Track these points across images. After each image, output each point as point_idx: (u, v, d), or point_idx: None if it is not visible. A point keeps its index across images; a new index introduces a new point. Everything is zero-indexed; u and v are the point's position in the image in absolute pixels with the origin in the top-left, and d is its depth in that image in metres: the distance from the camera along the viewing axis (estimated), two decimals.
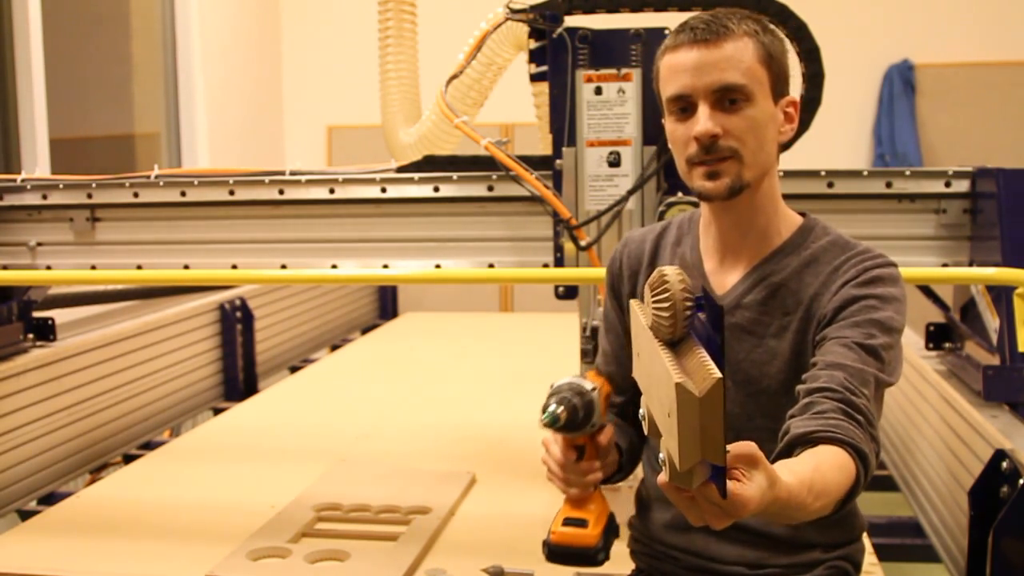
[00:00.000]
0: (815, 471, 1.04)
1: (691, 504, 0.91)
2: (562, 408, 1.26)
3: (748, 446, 0.93)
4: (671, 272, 0.89)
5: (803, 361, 1.27)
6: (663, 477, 0.90)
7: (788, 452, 1.12)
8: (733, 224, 1.34)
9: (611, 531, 1.39)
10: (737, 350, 1.32)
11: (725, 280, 1.35)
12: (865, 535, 1.45)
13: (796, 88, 2.08)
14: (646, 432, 0.99)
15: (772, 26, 1.32)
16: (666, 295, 0.88)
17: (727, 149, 1.26)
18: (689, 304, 0.88)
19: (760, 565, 1.34)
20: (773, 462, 1.01)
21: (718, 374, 0.81)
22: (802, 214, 1.39)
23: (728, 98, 1.25)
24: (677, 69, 1.27)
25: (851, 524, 1.38)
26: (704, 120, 1.25)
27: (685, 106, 1.28)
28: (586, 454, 1.32)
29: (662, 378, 0.86)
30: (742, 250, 1.34)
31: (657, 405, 0.88)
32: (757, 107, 1.26)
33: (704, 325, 0.86)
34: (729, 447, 0.90)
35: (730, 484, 0.90)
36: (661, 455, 0.87)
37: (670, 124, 1.31)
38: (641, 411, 0.97)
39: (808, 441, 1.11)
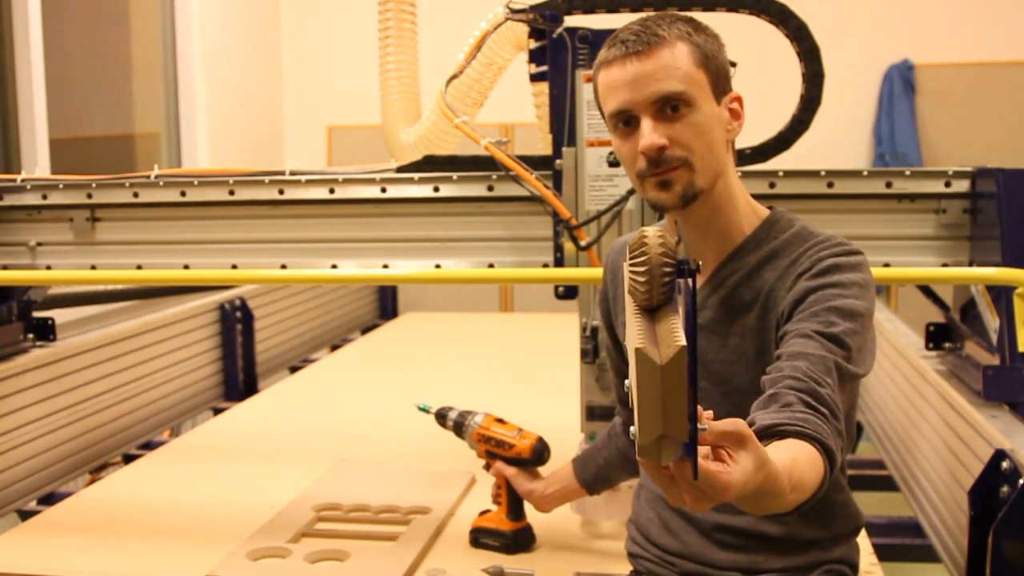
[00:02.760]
0: (794, 463, 1.00)
1: (670, 483, 0.86)
2: (435, 410, 1.96)
3: (736, 423, 0.89)
4: (651, 233, 0.83)
5: (767, 359, 1.24)
6: (636, 453, 0.82)
7: None
8: (692, 228, 1.33)
9: (486, 534, 1.91)
10: (707, 350, 1.31)
11: None
12: (865, 535, 1.44)
13: (797, 88, 2.09)
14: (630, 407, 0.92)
15: (703, 24, 1.30)
16: (643, 257, 0.82)
17: (676, 159, 1.25)
18: (668, 268, 0.82)
19: (756, 570, 1.33)
20: None
21: (683, 341, 0.75)
22: (769, 207, 1.37)
23: (669, 106, 1.24)
24: (614, 85, 1.26)
25: (848, 515, 1.37)
26: (648, 133, 1.24)
27: (627, 119, 1.27)
28: (491, 470, 1.91)
29: (630, 345, 0.79)
30: (705, 252, 1.34)
31: (631, 375, 0.81)
32: (700, 112, 1.25)
33: (686, 291, 0.82)
34: (716, 423, 0.86)
35: (712, 465, 0.85)
36: (632, 428, 0.80)
37: (615, 140, 1.30)
38: (627, 383, 0.86)
39: (775, 434, 1.06)
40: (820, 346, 1.16)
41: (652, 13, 1.29)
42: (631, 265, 0.84)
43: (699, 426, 0.81)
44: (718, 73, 1.28)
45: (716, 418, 1.25)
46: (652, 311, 0.83)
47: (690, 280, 0.83)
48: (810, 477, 1.02)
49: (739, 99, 1.32)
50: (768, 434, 1.06)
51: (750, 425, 1.04)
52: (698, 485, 0.84)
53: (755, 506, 0.96)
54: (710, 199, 1.29)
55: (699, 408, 0.83)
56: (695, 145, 1.24)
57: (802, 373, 1.12)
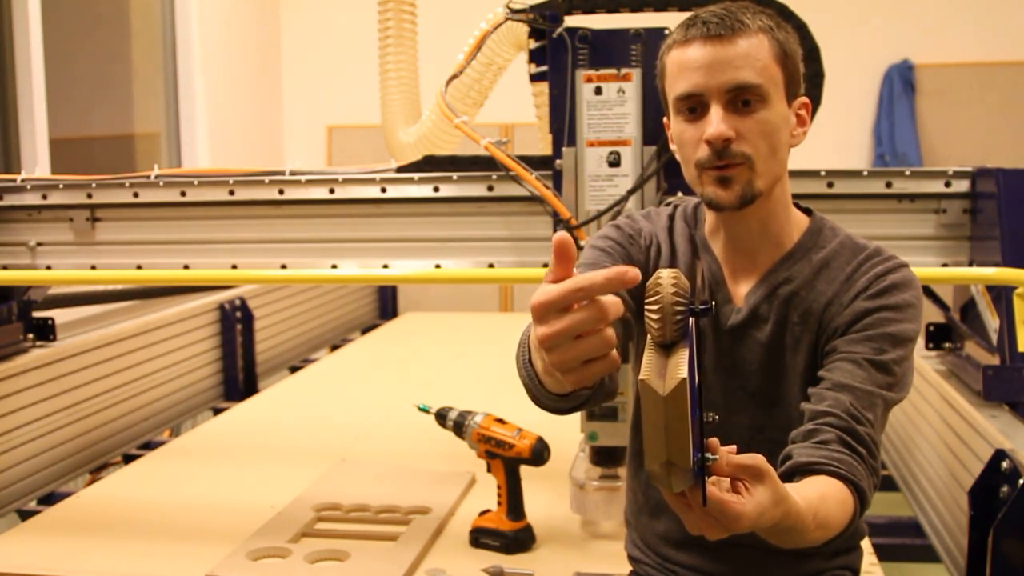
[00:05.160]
0: (821, 500, 1.03)
1: (687, 510, 0.89)
2: (435, 410, 1.98)
3: (755, 458, 0.91)
4: (665, 275, 0.89)
5: (815, 373, 1.24)
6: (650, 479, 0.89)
7: (787, 479, 1.11)
8: (745, 233, 1.29)
9: (486, 534, 1.91)
10: (751, 362, 1.28)
11: (739, 290, 1.31)
12: (865, 539, 1.44)
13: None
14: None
15: (789, 16, 1.28)
16: (657, 297, 0.88)
17: (740, 155, 1.19)
18: (679, 309, 0.88)
19: None
20: None
21: (683, 374, 0.81)
22: (806, 211, 1.35)
23: (742, 99, 1.18)
24: (688, 66, 1.20)
25: (854, 531, 1.36)
26: (717, 122, 1.18)
27: (695, 106, 1.21)
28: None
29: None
30: (755, 258, 1.30)
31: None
32: (772, 110, 1.20)
33: (693, 330, 0.88)
34: (735, 456, 0.90)
35: (726, 496, 0.88)
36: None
37: (678, 125, 1.24)
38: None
39: (809, 471, 1.10)
40: (867, 377, 1.17)
41: (730, 3, 1.24)
42: (647, 304, 0.89)
43: (710, 456, 0.86)
44: (793, 74, 1.24)
45: (751, 430, 1.27)
46: (667, 347, 0.89)
47: (698, 320, 0.89)
48: (838, 516, 1.06)
49: (807, 105, 1.28)
50: (803, 470, 1.10)
51: (788, 458, 1.12)
52: (711, 513, 0.87)
53: (778, 539, 1.00)
54: (767, 203, 1.26)
55: (715, 441, 0.88)
56: (761, 145, 1.20)
57: (844, 410, 1.14)
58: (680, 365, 0.83)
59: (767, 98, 1.20)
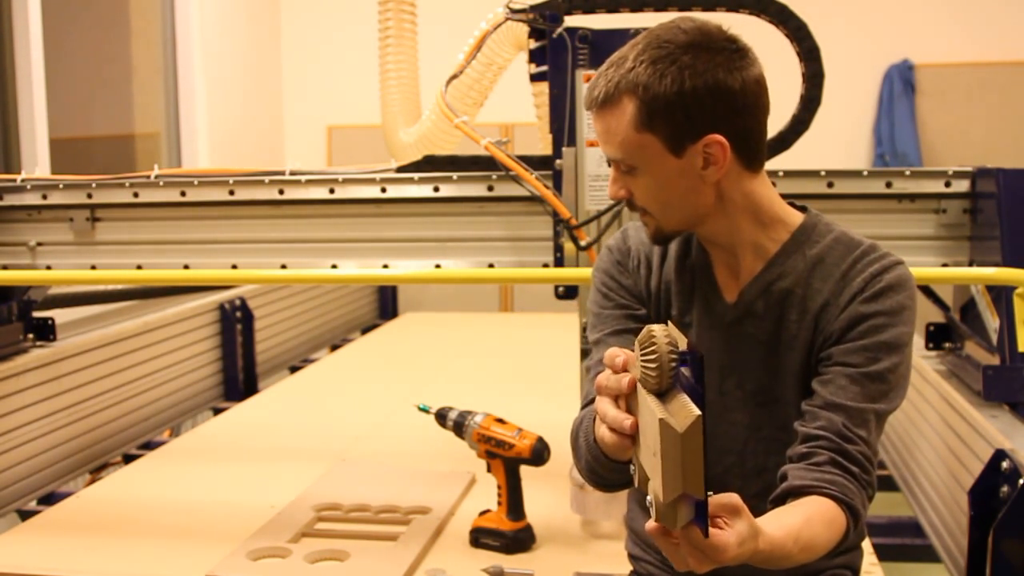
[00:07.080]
0: (805, 523, 1.09)
1: (675, 549, 0.96)
2: (435, 410, 1.98)
3: (731, 497, 0.98)
4: (658, 330, 0.98)
5: (811, 373, 1.26)
6: (651, 523, 0.95)
7: (782, 500, 1.17)
8: (717, 242, 1.31)
9: (486, 534, 1.92)
10: (747, 359, 1.29)
11: (732, 286, 1.31)
12: (866, 535, 1.44)
13: (797, 88, 2.09)
14: (635, 484, 1.03)
15: (686, 54, 1.18)
16: (652, 350, 0.97)
17: (640, 207, 1.28)
18: (674, 358, 0.97)
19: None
20: (771, 501, 1.17)
21: (697, 412, 0.90)
22: (803, 209, 1.34)
23: (622, 165, 1.25)
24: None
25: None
26: (610, 184, 1.29)
27: None
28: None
29: (648, 422, 0.95)
30: (739, 259, 1.30)
31: (644, 451, 0.97)
32: (645, 175, 1.23)
33: (687, 377, 0.95)
34: (713, 496, 0.96)
35: (710, 529, 0.95)
36: (648, 498, 0.95)
37: None
38: (631, 466, 1.05)
39: (803, 493, 1.16)
40: (860, 392, 1.20)
41: (626, 49, 1.24)
42: (643, 357, 0.98)
43: (708, 492, 0.94)
44: (678, 124, 1.19)
45: (749, 428, 1.30)
46: (661, 394, 0.97)
47: (695, 368, 0.96)
48: (824, 537, 1.12)
49: (719, 142, 1.19)
50: (796, 493, 1.17)
51: (784, 479, 1.20)
52: (699, 545, 0.94)
53: (765, 565, 1.05)
54: (718, 221, 1.27)
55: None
56: (647, 202, 1.27)
57: (836, 432, 1.19)
58: (687, 405, 0.91)
59: (636, 166, 1.24)
